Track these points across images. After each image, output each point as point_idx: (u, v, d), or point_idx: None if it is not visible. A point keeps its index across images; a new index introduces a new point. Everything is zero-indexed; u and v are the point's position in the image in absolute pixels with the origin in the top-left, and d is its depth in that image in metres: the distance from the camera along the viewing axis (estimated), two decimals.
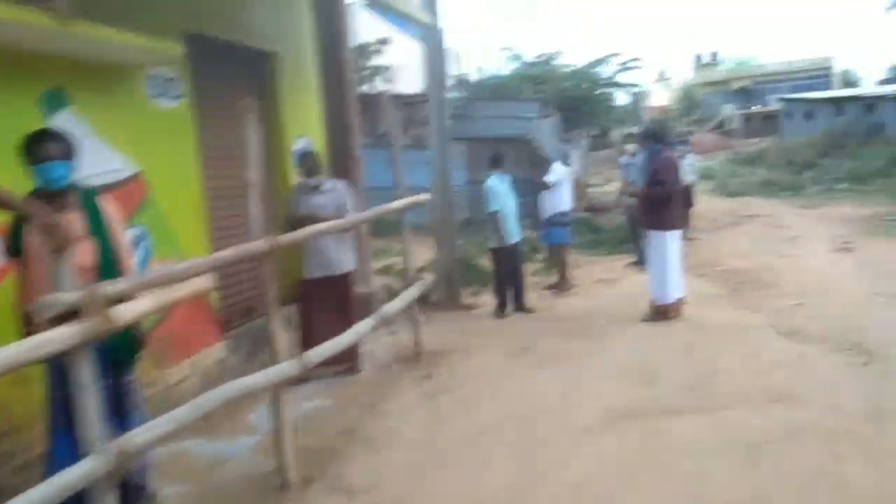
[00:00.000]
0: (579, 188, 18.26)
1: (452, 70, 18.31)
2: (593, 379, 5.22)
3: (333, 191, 5.54)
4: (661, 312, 6.79)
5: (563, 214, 8.45)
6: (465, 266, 8.89)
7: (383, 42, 14.34)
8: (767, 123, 48.39)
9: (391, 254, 10.40)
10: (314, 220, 4.87)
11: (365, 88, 13.38)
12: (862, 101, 29.51)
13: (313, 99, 7.06)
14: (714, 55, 67.22)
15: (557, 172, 8.47)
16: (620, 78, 18.48)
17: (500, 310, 7.64)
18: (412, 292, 5.77)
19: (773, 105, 47.17)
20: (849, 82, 58.45)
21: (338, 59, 7.47)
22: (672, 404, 4.46)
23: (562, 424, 4.27)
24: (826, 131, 28.63)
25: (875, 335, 5.71)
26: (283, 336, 3.79)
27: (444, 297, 8.16)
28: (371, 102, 13.69)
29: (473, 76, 18.97)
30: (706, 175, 29.18)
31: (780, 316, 6.66)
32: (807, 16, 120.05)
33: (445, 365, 5.84)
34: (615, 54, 18.28)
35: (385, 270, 9.14)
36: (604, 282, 9.14)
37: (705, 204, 18.27)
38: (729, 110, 59.29)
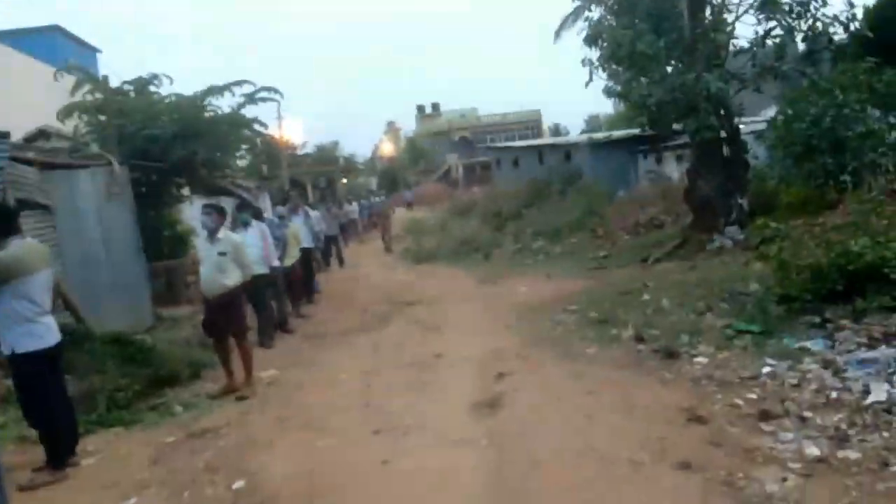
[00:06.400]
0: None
1: None
2: None
3: None
4: None
5: None
6: None
7: None
8: (486, 173, 48.29)
9: None
10: None
11: None
12: (560, 148, 28.57)
13: None
14: (435, 106, 67.52)
15: None
16: (249, 112, 13.27)
17: None
18: None
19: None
20: (557, 133, 62.05)
21: None
22: None
23: None
24: (530, 180, 27.07)
25: None
26: None
27: None
28: None
29: None
30: (413, 230, 25.93)
31: None
32: (521, 71, 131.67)
33: None
34: (243, 81, 13.14)
35: None
36: None
37: (377, 279, 13.88)
38: (452, 160, 59.21)
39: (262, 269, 8.15)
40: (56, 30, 31.21)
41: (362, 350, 7.80)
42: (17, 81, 17.50)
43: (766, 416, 4.20)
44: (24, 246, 4.59)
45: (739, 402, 4.51)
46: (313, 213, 17.28)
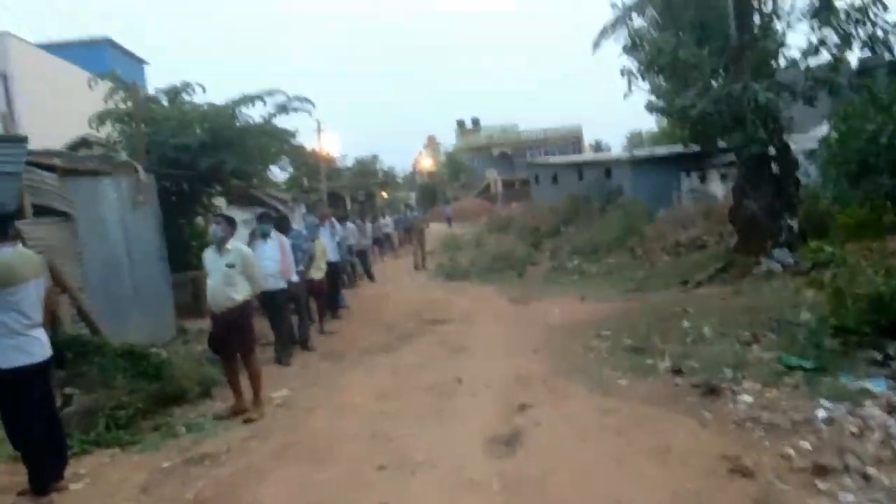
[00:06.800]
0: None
1: None
2: None
3: None
4: None
5: None
6: None
7: None
8: (525, 189, 47.78)
9: None
10: None
11: None
12: (601, 165, 27.94)
13: None
14: (476, 121, 67.35)
15: None
16: (280, 122, 13.12)
17: None
18: None
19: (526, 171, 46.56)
20: (598, 149, 61.11)
21: None
22: None
23: None
24: (570, 196, 26.56)
25: None
26: None
27: None
28: None
29: None
30: (449, 245, 25.58)
31: None
32: (563, 87, 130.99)
33: None
34: (275, 91, 13.03)
35: None
36: None
37: (406, 296, 13.51)
38: (492, 175, 58.82)
39: (279, 284, 7.86)
40: (106, 42, 32.04)
41: (381, 371, 7.41)
42: (66, 91, 17.88)
43: (822, 471, 3.65)
44: (14, 254, 4.35)
45: (791, 451, 3.95)
46: (349, 226, 17.04)
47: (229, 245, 5.98)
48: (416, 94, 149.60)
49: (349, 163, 52.16)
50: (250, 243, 8.13)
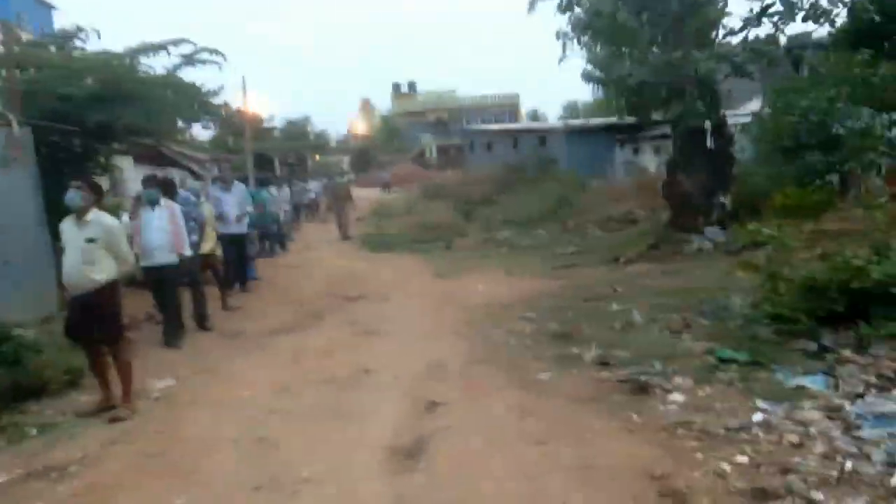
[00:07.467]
0: None
1: None
2: None
3: None
4: None
5: None
6: None
7: None
8: (461, 155, 47.10)
9: None
10: None
11: None
12: (536, 133, 27.56)
13: None
14: (412, 85, 65.87)
15: None
16: (186, 75, 11.85)
17: None
18: None
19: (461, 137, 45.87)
20: (535, 118, 60.88)
21: None
22: None
23: None
24: (504, 165, 26.12)
25: None
26: None
27: None
28: None
29: None
30: (379, 213, 24.77)
31: None
32: (501, 54, 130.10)
33: None
34: (181, 41, 11.73)
35: None
36: None
37: (325, 268, 12.68)
38: (427, 140, 57.83)
39: (169, 258, 6.92)
40: None
41: (282, 357, 6.63)
42: None
43: (762, 495, 3.16)
44: None
45: (727, 467, 3.46)
46: (271, 190, 15.87)
47: (90, 216, 5.01)
48: (353, 55, 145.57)
49: (279, 124, 50.19)
50: (135, 211, 7.14)
